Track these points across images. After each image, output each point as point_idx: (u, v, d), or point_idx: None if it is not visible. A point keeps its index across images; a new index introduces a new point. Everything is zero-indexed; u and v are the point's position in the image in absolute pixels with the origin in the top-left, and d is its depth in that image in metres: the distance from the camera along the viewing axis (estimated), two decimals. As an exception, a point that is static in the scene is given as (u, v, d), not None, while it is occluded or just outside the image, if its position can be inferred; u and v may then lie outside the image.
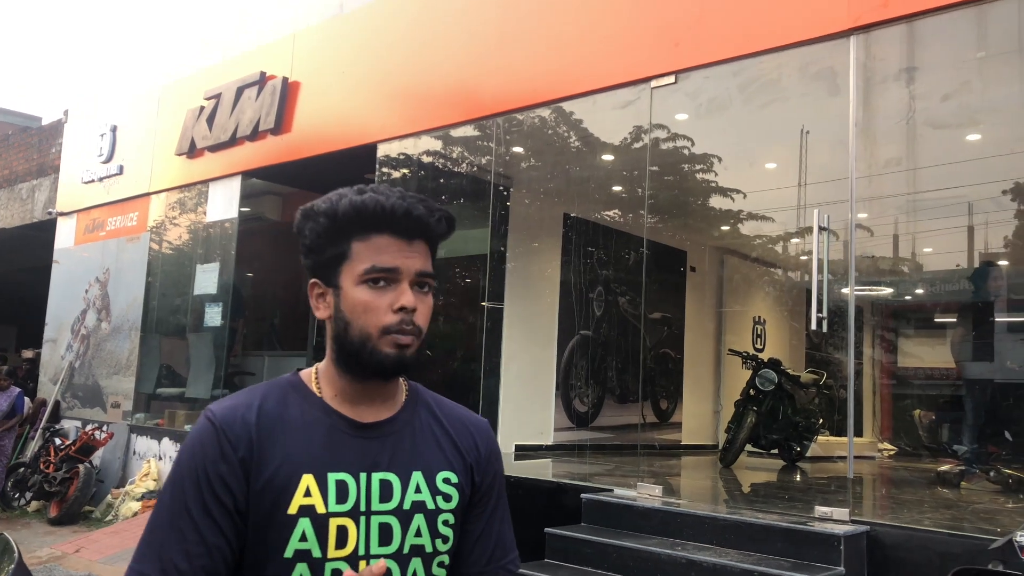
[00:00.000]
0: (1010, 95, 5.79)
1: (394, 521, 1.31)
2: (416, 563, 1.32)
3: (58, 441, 10.00)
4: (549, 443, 8.42)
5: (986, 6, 4.38)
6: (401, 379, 1.44)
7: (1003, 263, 9.14)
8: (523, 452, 7.95)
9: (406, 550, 1.31)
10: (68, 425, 10.81)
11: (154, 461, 9.15)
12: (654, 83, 5.57)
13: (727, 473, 7.46)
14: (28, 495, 9.66)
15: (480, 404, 7.61)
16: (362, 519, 1.29)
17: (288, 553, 1.24)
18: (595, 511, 5.08)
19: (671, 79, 5.50)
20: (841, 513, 4.42)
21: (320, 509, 1.26)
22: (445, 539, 1.36)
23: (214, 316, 9.14)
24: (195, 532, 1.23)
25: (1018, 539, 1.82)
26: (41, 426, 10.68)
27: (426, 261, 1.34)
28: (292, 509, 1.25)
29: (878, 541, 4.22)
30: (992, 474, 6.60)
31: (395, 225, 1.31)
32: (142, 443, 9.55)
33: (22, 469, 9.77)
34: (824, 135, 6.38)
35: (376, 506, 1.30)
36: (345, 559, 1.26)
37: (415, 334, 1.32)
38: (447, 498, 1.36)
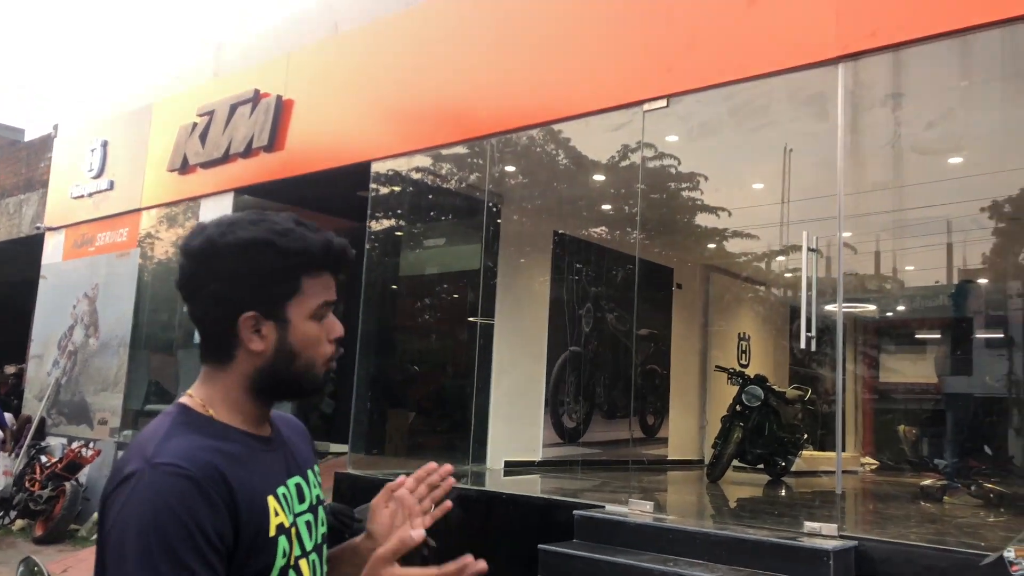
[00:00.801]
0: (992, 121, 5.96)
1: (311, 517, 1.43)
2: (324, 548, 1.46)
3: (44, 459, 9.93)
4: (538, 459, 8.48)
5: (970, 36, 4.53)
6: None
7: (982, 281, 9.35)
8: (512, 468, 8.00)
9: (319, 540, 1.44)
10: (54, 442, 10.73)
11: (142, 477, 9.10)
12: (647, 106, 5.68)
13: (714, 488, 7.55)
14: (13, 514, 9.56)
15: (473, 420, 7.66)
16: (296, 520, 1.38)
17: (275, 572, 1.31)
18: (587, 527, 5.13)
19: (663, 103, 5.62)
20: (830, 528, 4.51)
21: (286, 524, 1.35)
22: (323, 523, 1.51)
23: (204, 332, 9.12)
24: None
25: (1007, 555, 1.92)
26: (26, 444, 10.60)
27: None
28: (272, 531, 1.31)
29: (866, 556, 4.30)
30: (973, 488, 6.72)
31: (335, 263, 1.41)
32: (130, 459, 9.50)
33: (6, 487, 9.70)
34: (813, 158, 6.52)
35: (297, 508, 1.39)
36: (293, 565, 1.35)
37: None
38: (321, 486, 1.52)
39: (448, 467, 1.48)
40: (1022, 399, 8.45)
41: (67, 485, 9.09)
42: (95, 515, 9.21)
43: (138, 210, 10.42)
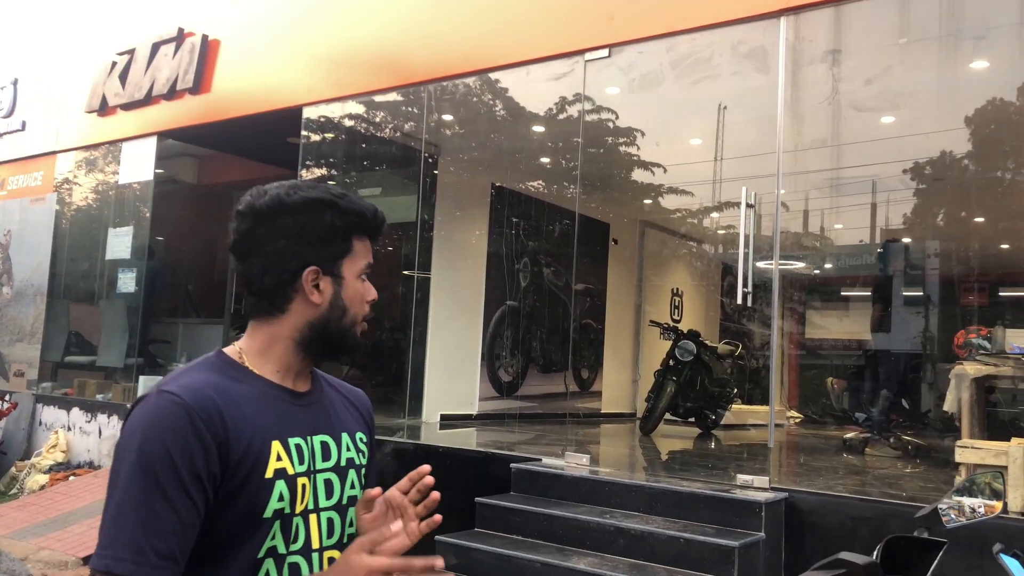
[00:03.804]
0: (927, 80, 6.04)
1: (334, 477, 1.49)
2: (351, 512, 1.51)
3: (-44, 411, 9.51)
4: (474, 413, 8.46)
5: (910, -6, 4.55)
6: None
7: (905, 240, 9.59)
8: (448, 421, 7.98)
9: (344, 501, 1.49)
10: (-34, 394, 10.29)
11: (63, 432, 8.79)
12: (588, 56, 5.58)
13: (647, 441, 7.66)
14: (-77, 467, 9.17)
15: (409, 374, 7.57)
16: (311, 476, 1.44)
17: (268, 513, 1.36)
18: (524, 480, 5.15)
19: (605, 52, 5.52)
20: (762, 481, 4.61)
21: (290, 471, 1.40)
22: (363, 487, 1.55)
23: (127, 282, 8.80)
24: (171, 512, 1.27)
25: (941, 508, 1.95)
26: (-64, 396, 10.14)
27: None
28: (269, 473, 1.37)
29: (795, 507, 4.41)
30: (892, 440, 6.98)
31: (376, 229, 1.53)
32: (49, 413, 9.17)
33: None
34: (752, 113, 6.52)
35: (320, 464, 1.46)
36: (300, 514, 1.42)
37: None
38: (363, 454, 1.58)
39: (425, 469, 1.48)
40: (936, 356, 8.76)
41: (-19, 439, 8.74)
42: (12, 469, 8.89)
43: (53, 153, 9.91)
